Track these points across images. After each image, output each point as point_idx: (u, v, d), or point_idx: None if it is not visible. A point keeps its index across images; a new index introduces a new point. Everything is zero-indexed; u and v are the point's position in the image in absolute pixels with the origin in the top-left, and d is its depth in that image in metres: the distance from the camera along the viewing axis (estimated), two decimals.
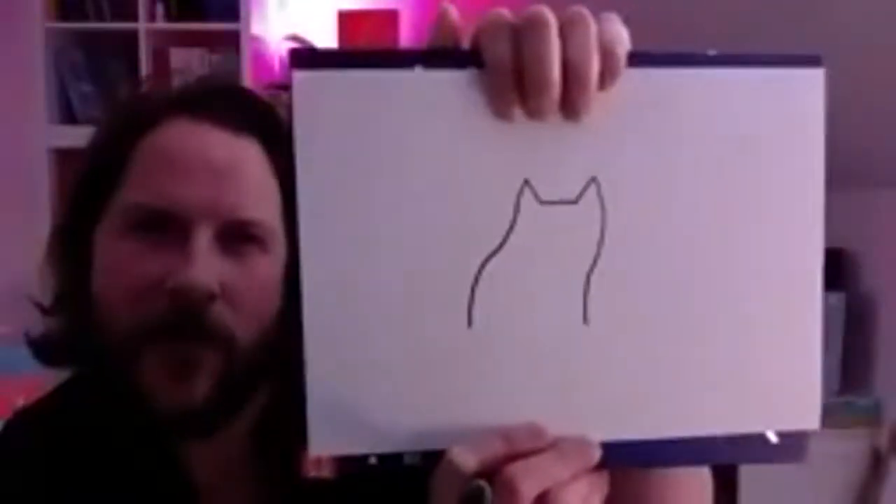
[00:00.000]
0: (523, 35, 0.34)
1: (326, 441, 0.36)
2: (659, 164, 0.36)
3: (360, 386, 0.36)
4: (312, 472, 0.36)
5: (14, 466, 0.56)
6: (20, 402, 2.06)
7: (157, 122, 0.54)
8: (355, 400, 0.36)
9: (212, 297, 0.51)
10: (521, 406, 0.36)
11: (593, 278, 0.36)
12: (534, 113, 0.35)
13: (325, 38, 2.39)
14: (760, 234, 0.38)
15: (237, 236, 0.53)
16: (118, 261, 0.52)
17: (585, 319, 0.37)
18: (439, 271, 0.36)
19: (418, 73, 0.35)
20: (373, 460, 0.36)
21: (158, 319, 0.50)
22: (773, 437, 0.38)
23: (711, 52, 0.37)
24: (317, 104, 0.35)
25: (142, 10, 2.16)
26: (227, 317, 0.52)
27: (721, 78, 0.37)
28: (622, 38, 0.35)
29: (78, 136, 2.44)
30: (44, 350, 0.59)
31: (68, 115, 2.23)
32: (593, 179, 0.36)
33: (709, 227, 0.37)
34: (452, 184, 0.35)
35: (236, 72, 2.13)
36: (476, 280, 0.36)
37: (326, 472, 0.36)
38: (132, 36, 2.16)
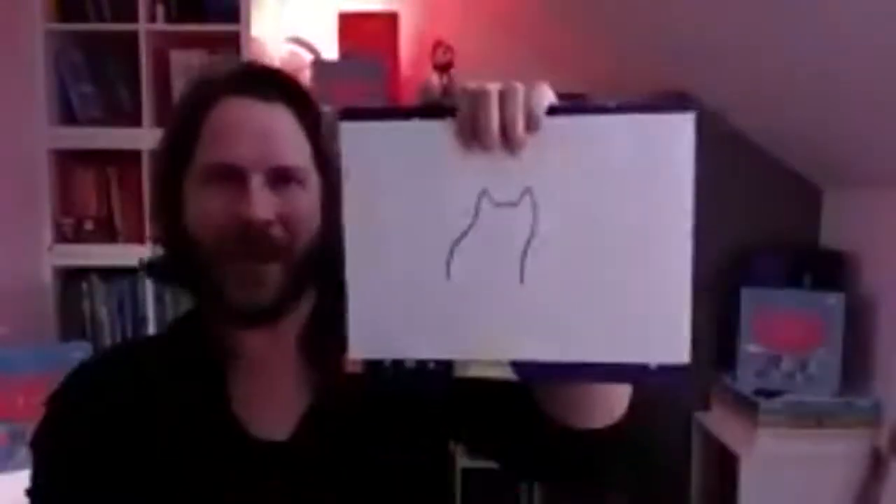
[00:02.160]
0: (477, 101, 0.54)
1: (359, 349, 0.57)
2: (571, 179, 0.54)
3: (380, 317, 0.56)
4: (350, 369, 0.56)
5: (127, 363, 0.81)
6: (20, 402, 2.05)
7: (213, 103, 0.75)
8: (377, 325, 0.56)
9: (268, 224, 0.72)
10: (479, 333, 0.56)
11: (527, 253, 0.55)
12: (485, 148, 0.54)
13: (326, 39, 2.40)
14: (644, 226, 0.54)
15: (282, 179, 0.73)
16: (201, 206, 0.74)
17: (521, 280, 0.55)
18: (428, 247, 0.55)
19: (416, 122, 0.55)
20: (386, 363, 0.56)
21: (231, 243, 0.71)
22: (653, 366, 0.55)
23: (611, 104, 0.54)
24: (354, 142, 0.56)
25: (142, 11, 2.15)
26: (283, 237, 0.73)
27: (614, 121, 0.54)
28: (541, 101, 0.54)
29: (78, 137, 2.44)
30: (156, 272, 0.83)
31: (68, 116, 2.23)
32: (528, 189, 0.54)
33: (605, 221, 0.54)
34: (437, 191, 0.55)
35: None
36: (451, 251, 0.55)
37: (357, 369, 0.56)
38: (132, 37, 2.16)
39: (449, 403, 0.76)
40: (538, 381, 0.62)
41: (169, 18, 2.19)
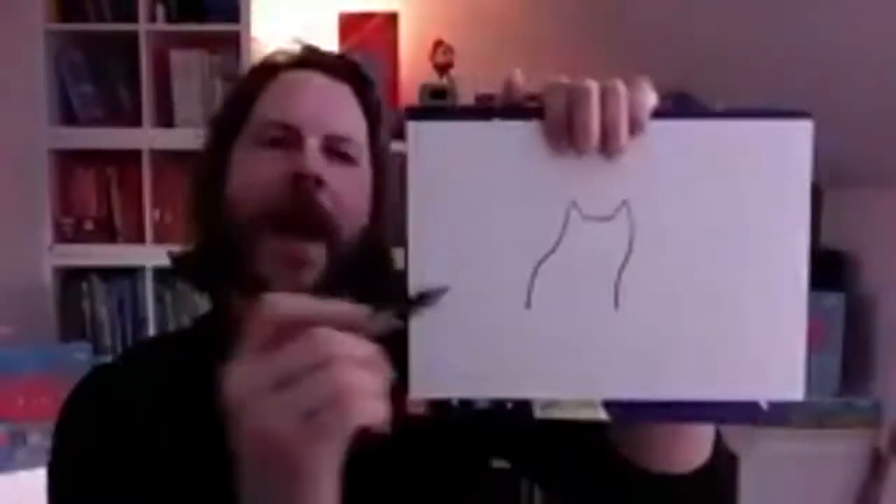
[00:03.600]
0: (574, 100, 0.46)
1: (423, 387, 0.48)
2: (674, 192, 0.47)
3: (448, 349, 0.48)
4: (411, 410, 0.48)
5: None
6: (20, 402, 2.06)
7: (276, 74, 0.74)
8: (444, 359, 0.48)
9: (320, 183, 0.67)
10: (564, 369, 0.48)
11: (623, 275, 0.48)
12: (580, 153, 0.47)
13: (326, 39, 2.40)
14: (754, 246, 0.48)
15: (336, 152, 0.70)
16: (251, 162, 0.70)
17: (616, 305, 0.48)
18: (506, 268, 0.48)
19: (497, 123, 0.48)
20: (454, 403, 0.48)
21: (277, 205, 0.66)
22: (764, 405, 0.48)
23: (719, 107, 0.47)
24: (424, 143, 0.48)
25: (142, 11, 2.15)
26: (330, 209, 0.67)
27: (724, 127, 0.47)
28: (646, 101, 0.47)
29: (78, 137, 2.45)
30: (183, 263, 0.75)
31: (68, 116, 2.23)
32: (625, 202, 0.48)
33: (712, 240, 0.48)
34: (519, 202, 0.48)
35: (237, 73, 2.13)
36: (533, 275, 0.48)
37: (421, 411, 0.49)
38: (132, 37, 2.16)
39: (504, 429, 0.69)
40: (634, 422, 0.53)
41: (169, 18, 2.19)
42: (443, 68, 2.36)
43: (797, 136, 0.47)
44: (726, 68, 2.00)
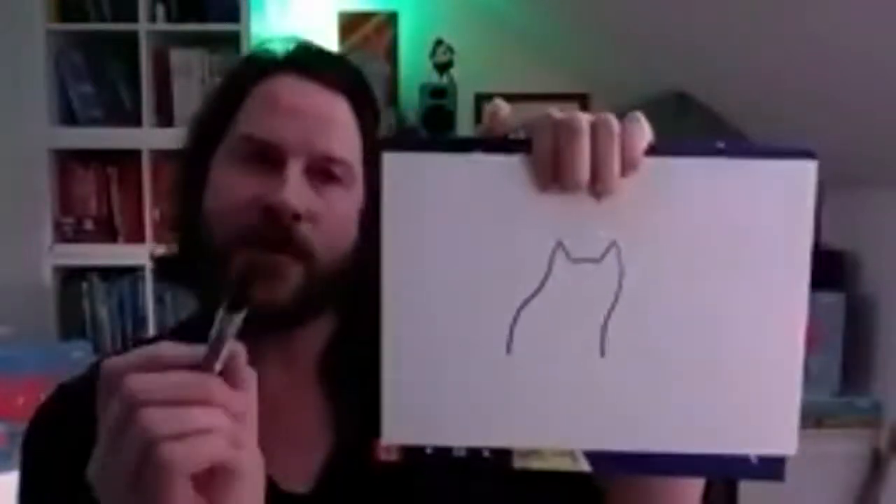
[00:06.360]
0: (562, 135, 0.44)
1: (396, 433, 0.46)
2: (668, 233, 0.45)
3: (424, 393, 0.46)
4: (383, 457, 0.47)
5: None
6: (20, 402, 2.05)
7: (268, 75, 0.66)
8: (419, 404, 0.46)
9: (297, 217, 0.62)
10: (545, 418, 0.46)
11: (610, 321, 0.45)
12: (567, 191, 0.45)
13: (326, 39, 2.40)
14: (751, 291, 0.45)
15: (323, 173, 0.64)
16: (226, 182, 0.64)
17: (602, 353, 0.46)
18: (487, 310, 0.46)
19: (478, 156, 0.45)
20: (429, 451, 0.46)
21: (251, 229, 0.62)
22: (754, 459, 0.46)
23: (720, 144, 0.45)
24: (399, 176, 0.45)
25: (142, 11, 2.15)
26: (309, 236, 0.63)
27: (724, 166, 0.45)
28: (641, 137, 0.44)
29: (78, 137, 2.44)
30: (164, 266, 0.72)
31: (68, 116, 2.23)
32: (614, 243, 0.45)
33: (706, 284, 0.45)
34: (501, 241, 0.45)
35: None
36: (515, 318, 0.46)
37: (393, 458, 0.47)
38: (132, 36, 2.16)
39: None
40: (616, 474, 0.52)
41: (169, 18, 2.19)
42: (442, 68, 2.36)
43: (801, 178, 0.45)
44: (726, 68, 2.00)
